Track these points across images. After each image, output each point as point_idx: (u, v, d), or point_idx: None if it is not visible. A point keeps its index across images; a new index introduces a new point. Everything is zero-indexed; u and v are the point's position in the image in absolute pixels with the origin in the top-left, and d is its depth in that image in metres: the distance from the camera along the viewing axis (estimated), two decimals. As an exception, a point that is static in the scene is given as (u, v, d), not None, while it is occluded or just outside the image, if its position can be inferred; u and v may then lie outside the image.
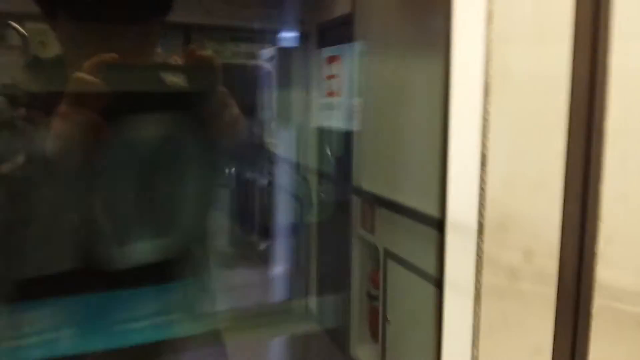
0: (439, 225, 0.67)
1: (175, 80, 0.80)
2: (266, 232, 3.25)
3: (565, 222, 0.57)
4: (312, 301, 4.08)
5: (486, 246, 0.61)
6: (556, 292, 0.59)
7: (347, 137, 3.23)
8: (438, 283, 0.65)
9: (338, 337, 3.63)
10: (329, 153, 3.65)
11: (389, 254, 2.77)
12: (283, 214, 3.76)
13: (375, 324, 3.04)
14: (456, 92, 0.65)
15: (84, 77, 0.77)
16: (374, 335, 3.13)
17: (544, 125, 0.59)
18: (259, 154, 0.96)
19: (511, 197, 0.61)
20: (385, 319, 2.86)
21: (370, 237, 2.99)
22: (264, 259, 3.87)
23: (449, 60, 0.64)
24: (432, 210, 2.27)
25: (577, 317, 0.57)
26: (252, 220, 4.01)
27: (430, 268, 2.39)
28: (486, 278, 0.61)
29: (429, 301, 2.41)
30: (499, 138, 0.62)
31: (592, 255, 0.55)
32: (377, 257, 2.95)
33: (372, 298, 3.09)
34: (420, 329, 2.53)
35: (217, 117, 0.84)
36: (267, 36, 3.81)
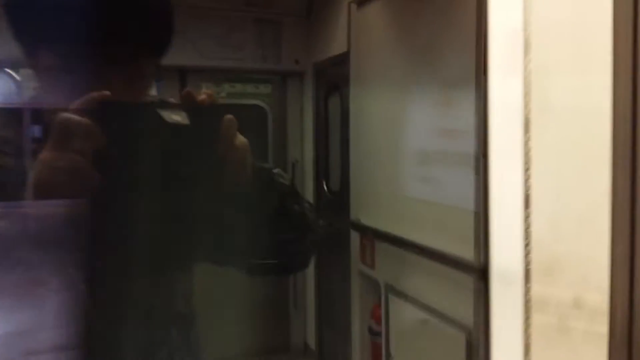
0: (482, 274, 0.64)
1: (177, 118, 0.75)
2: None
3: (614, 262, 0.55)
4: (312, 338, 4.03)
5: (534, 292, 0.58)
6: (609, 335, 0.56)
7: (345, 172, 3.26)
8: (485, 337, 0.62)
9: (339, 375, 3.57)
10: (326, 188, 3.67)
11: (391, 289, 2.76)
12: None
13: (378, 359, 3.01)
14: (495, 129, 0.63)
15: (71, 117, 0.69)
16: (377, 371, 3.09)
17: (588, 160, 0.58)
18: (267, 185, 0.89)
19: (558, 239, 0.58)
20: (388, 354, 2.83)
21: (371, 272, 2.98)
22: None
23: (487, 96, 0.63)
24: (434, 244, 2.29)
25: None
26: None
27: (432, 301, 2.39)
28: (535, 327, 0.58)
29: (432, 335, 2.40)
30: (542, 176, 0.60)
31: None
32: (378, 292, 2.94)
33: (374, 334, 3.06)
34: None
35: (223, 145, 0.78)
36: (263, 76, 3.88)
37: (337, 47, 3.28)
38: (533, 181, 0.60)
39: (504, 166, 0.64)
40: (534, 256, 0.60)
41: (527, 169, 0.60)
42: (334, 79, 3.46)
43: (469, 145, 2.06)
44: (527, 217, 0.60)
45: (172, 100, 0.79)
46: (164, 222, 0.84)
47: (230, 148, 0.79)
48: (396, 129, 2.66)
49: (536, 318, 0.60)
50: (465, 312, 2.15)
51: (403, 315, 2.67)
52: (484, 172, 0.65)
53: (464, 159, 2.09)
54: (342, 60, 3.18)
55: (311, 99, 3.76)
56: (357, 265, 3.13)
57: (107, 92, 0.71)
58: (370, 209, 2.96)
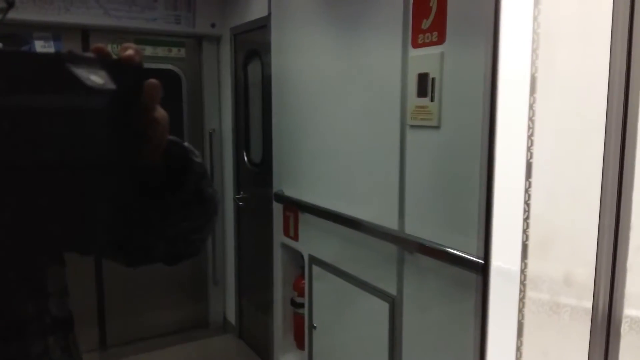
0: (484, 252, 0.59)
1: (97, 79, 0.60)
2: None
3: (600, 234, 0.52)
4: (231, 313, 3.95)
5: (529, 270, 0.55)
6: (592, 310, 0.54)
7: (267, 143, 3.15)
8: (482, 317, 0.58)
9: (261, 349, 3.53)
10: (246, 159, 3.55)
11: (314, 260, 2.74)
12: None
13: (301, 331, 3.00)
14: (503, 89, 0.58)
15: None
16: (300, 343, 3.08)
17: (584, 130, 0.55)
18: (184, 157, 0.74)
19: (554, 212, 0.56)
20: (311, 325, 2.82)
21: (294, 243, 2.94)
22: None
23: (496, 53, 0.58)
24: (359, 215, 2.28)
25: (608, 337, 0.54)
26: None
27: (356, 272, 2.39)
28: (529, 305, 0.56)
29: (356, 305, 2.41)
30: (543, 144, 0.56)
31: (623, 267, 0.51)
32: (301, 264, 2.91)
33: (297, 305, 3.04)
34: (348, 332, 2.52)
35: (144, 117, 0.64)
36: (176, 39, 3.63)
37: (256, 10, 3.13)
38: (535, 149, 0.55)
39: (508, 135, 0.58)
40: (532, 231, 0.55)
41: (530, 135, 0.55)
42: (253, 44, 3.30)
43: (394, 117, 2.03)
44: (527, 188, 0.56)
45: (87, 54, 0.61)
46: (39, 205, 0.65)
47: (151, 122, 0.65)
48: (321, 97, 2.59)
49: (530, 295, 0.56)
50: (389, 282, 2.17)
51: (327, 286, 2.66)
52: (489, 146, 0.58)
53: (389, 130, 2.07)
54: (263, 24, 3.04)
55: (229, 65, 3.58)
56: (280, 238, 3.07)
57: None
58: (294, 180, 2.89)
